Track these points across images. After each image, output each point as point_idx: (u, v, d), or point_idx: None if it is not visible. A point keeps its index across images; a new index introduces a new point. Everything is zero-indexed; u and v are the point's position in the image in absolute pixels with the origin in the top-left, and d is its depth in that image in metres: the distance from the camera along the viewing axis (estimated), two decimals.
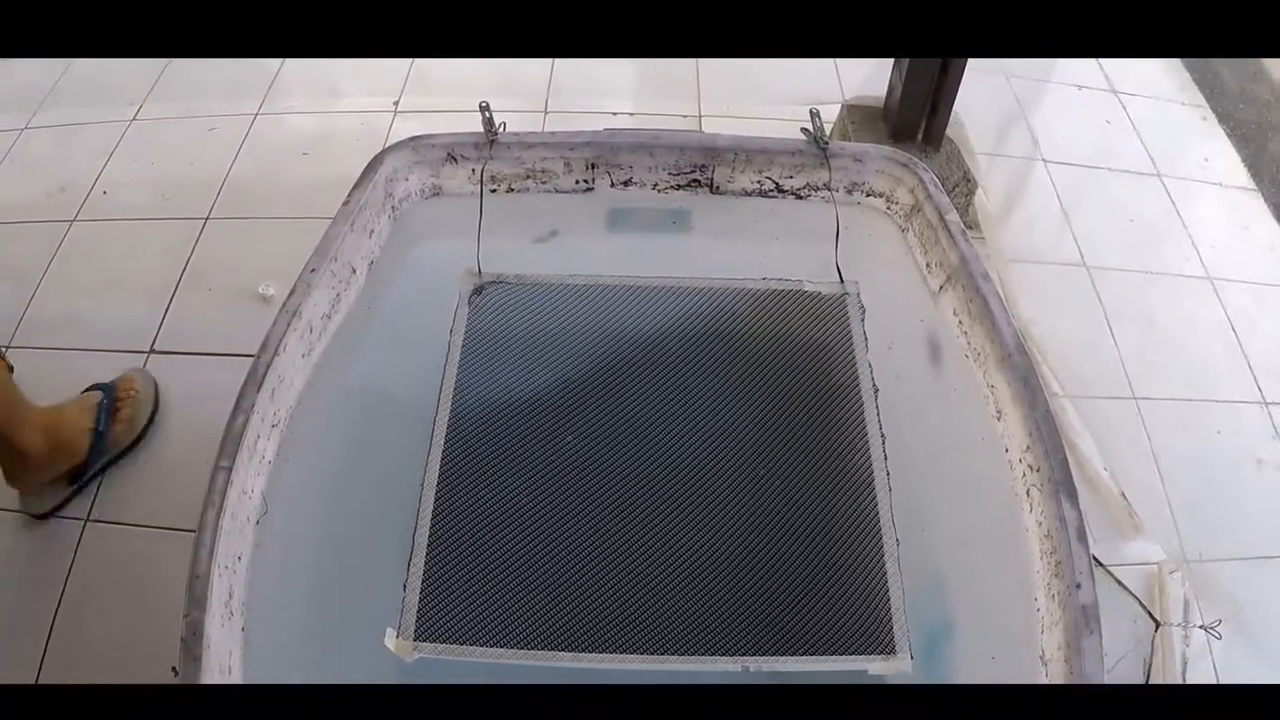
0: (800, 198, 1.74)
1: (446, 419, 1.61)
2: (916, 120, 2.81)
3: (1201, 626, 2.08)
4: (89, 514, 2.15)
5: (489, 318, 1.74)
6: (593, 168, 1.71)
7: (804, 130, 1.71)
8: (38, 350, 2.46)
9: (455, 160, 1.71)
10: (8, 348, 2.41)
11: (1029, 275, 2.77)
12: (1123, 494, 2.28)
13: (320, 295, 1.49)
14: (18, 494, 2.16)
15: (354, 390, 1.64)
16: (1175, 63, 3.70)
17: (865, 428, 1.62)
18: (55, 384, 2.24)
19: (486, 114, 1.67)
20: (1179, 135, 3.41)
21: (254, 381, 1.34)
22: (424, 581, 1.43)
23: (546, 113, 3.25)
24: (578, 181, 1.73)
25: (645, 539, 1.49)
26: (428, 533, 1.48)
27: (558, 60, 3.42)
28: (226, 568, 1.22)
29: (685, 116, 3.23)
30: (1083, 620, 1.16)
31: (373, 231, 1.64)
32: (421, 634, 1.37)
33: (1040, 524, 1.29)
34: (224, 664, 1.17)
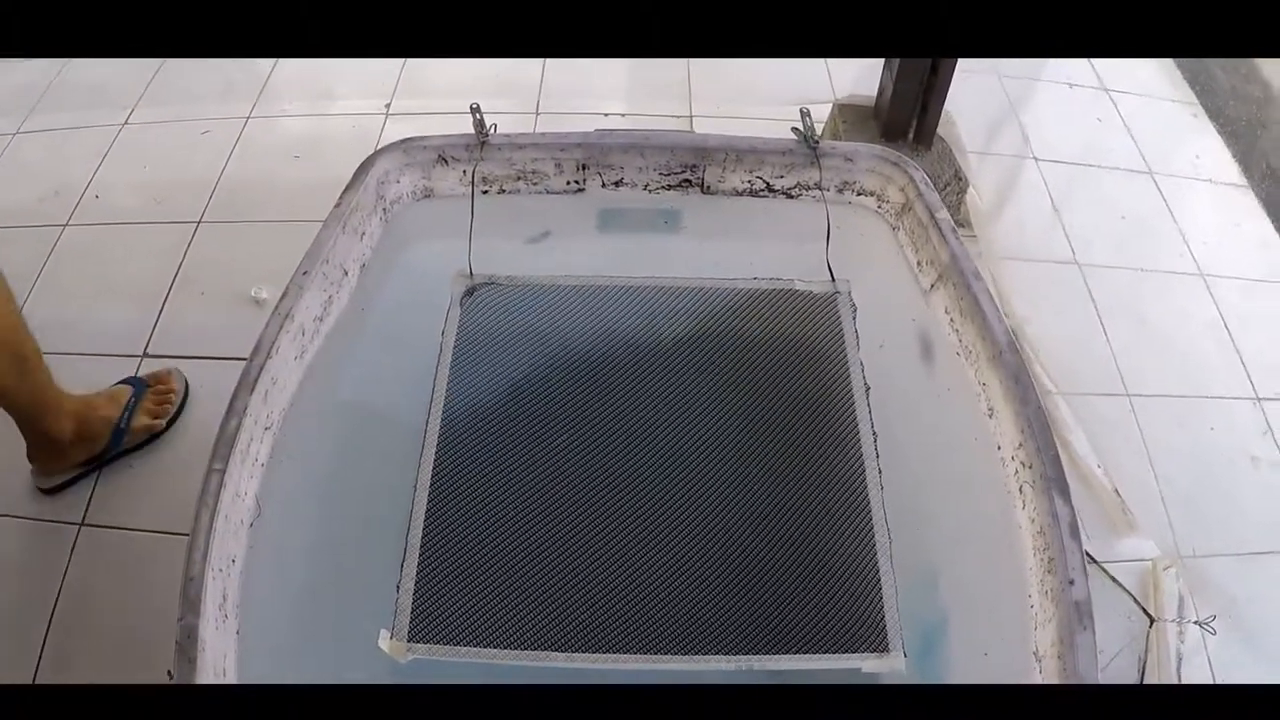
0: (791, 197, 1.75)
1: (439, 420, 1.62)
2: (907, 119, 2.81)
3: (1196, 622, 2.08)
4: (84, 518, 2.15)
5: (481, 319, 1.74)
6: (584, 168, 1.71)
7: (794, 130, 1.71)
8: None
9: (446, 162, 1.71)
10: None
11: (1021, 273, 2.77)
12: (1116, 491, 2.28)
13: (312, 298, 1.49)
14: (31, 468, 2.20)
15: (347, 392, 1.64)
16: (1166, 60, 3.71)
17: (857, 426, 1.62)
18: None
19: (477, 116, 1.67)
20: (1170, 132, 3.41)
21: (247, 384, 1.34)
22: (417, 582, 1.43)
23: (538, 114, 3.25)
24: (569, 182, 1.73)
25: (638, 539, 1.49)
26: (420, 534, 1.48)
27: (549, 61, 3.43)
28: (220, 570, 1.22)
29: (677, 117, 3.23)
30: (1076, 617, 1.16)
31: (364, 234, 1.64)
32: (415, 635, 1.37)
33: (1033, 521, 1.29)
34: (218, 667, 1.16)
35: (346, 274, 1.59)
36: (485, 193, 1.73)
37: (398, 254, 1.73)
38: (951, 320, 1.55)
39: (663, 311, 1.76)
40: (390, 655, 1.36)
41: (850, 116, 2.97)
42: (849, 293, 1.78)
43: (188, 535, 1.20)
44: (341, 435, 1.61)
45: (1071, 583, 1.18)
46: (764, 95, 3.27)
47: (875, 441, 1.61)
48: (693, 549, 1.49)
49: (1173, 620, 2.08)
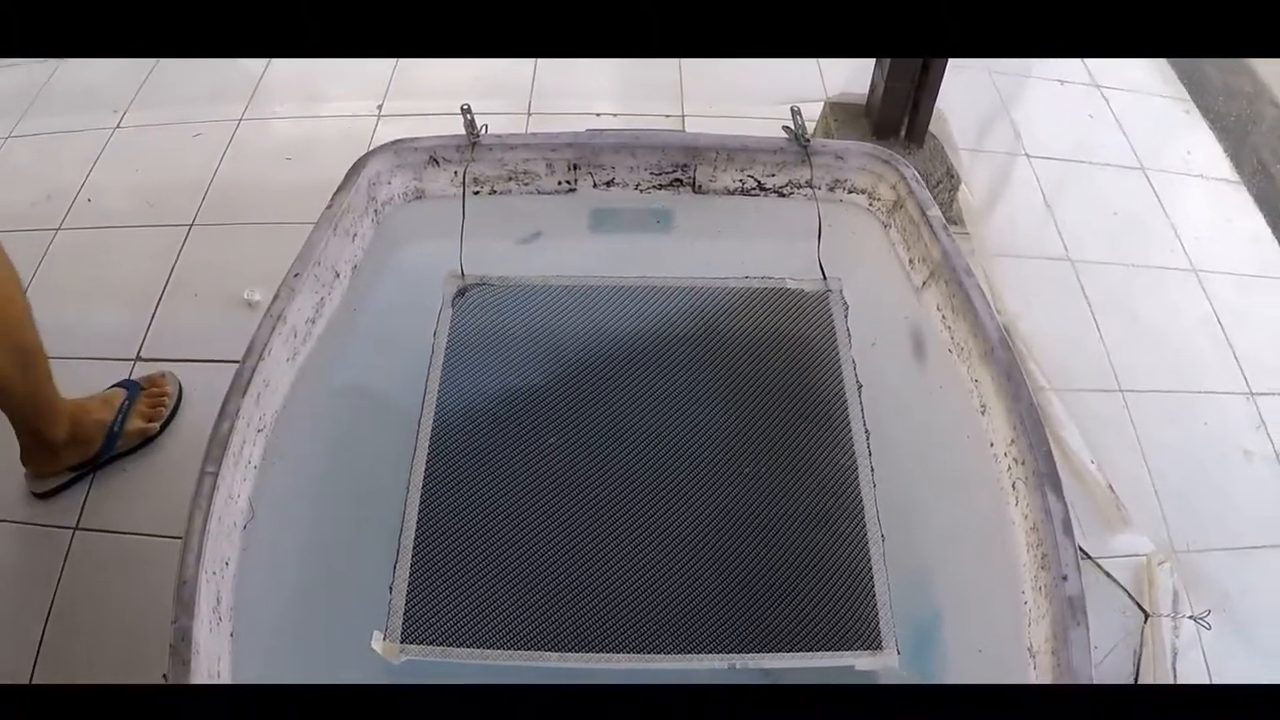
0: (782, 196, 1.75)
1: (431, 421, 1.62)
2: (899, 117, 2.81)
3: (1191, 617, 2.08)
4: (78, 522, 2.15)
5: (473, 320, 1.74)
6: (575, 169, 1.72)
7: (785, 128, 1.71)
8: None
9: (437, 163, 1.71)
10: None
11: (1013, 270, 2.77)
12: (1110, 486, 2.28)
13: (304, 299, 1.49)
14: (25, 471, 2.19)
15: (339, 393, 1.64)
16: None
17: (849, 424, 1.63)
18: None
19: (468, 116, 1.67)
20: (1162, 129, 3.41)
21: (239, 386, 1.34)
22: (410, 584, 1.43)
23: (530, 114, 3.25)
24: (560, 182, 1.74)
25: (631, 538, 1.50)
26: (413, 535, 1.48)
27: (541, 61, 3.42)
28: (214, 573, 1.22)
29: (668, 116, 3.23)
30: (1069, 612, 1.16)
31: (356, 235, 1.64)
32: (408, 636, 1.38)
33: (1026, 517, 1.29)
34: (213, 669, 1.16)
35: (338, 275, 1.59)
36: (477, 193, 1.73)
37: (389, 255, 1.73)
38: (943, 317, 1.55)
39: (655, 311, 1.76)
40: (383, 657, 1.36)
41: (842, 115, 2.97)
42: (840, 291, 1.78)
43: (181, 538, 1.20)
44: (334, 436, 1.61)
45: (1065, 578, 1.18)
46: (756, 94, 3.26)
47: (868, 439, 1.61)
48: (686, 548, 1.49)
49: (1167, 615, 2.08)
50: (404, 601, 1.41)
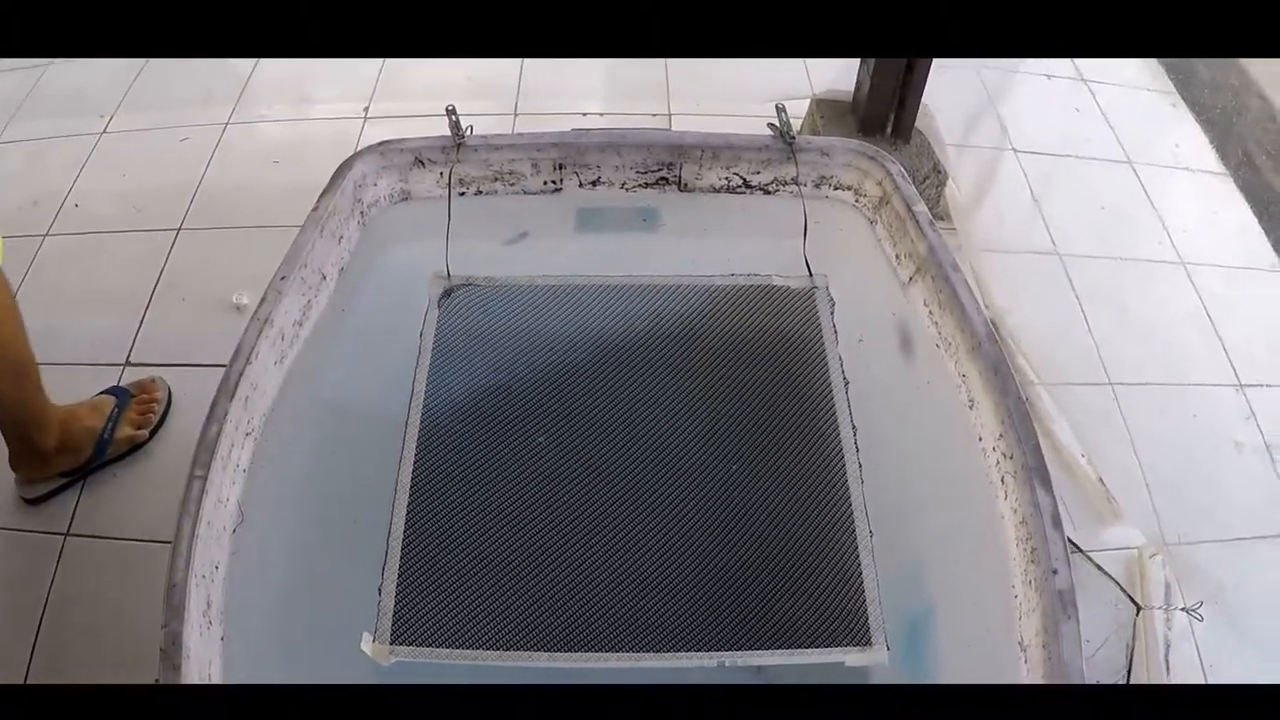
0: (768, 193, 1.75)
1: (418, 422, 1.62)
2: (885, 114, 2.82)
3: (1183, 609, 2.09)
4: (69, 528, 2.15)
5: (459, 320, 1.74)
6: (560, 168, 1.72)
7: (770, 125, 1.72)
8: None
9: (423, 164, 1.71)
10: None
11: (1001, 265, 2.78)
12: (1101, 480, 2.28)
13: (291, 302, 1.49)
14: (14, 477, 2.20)
15: (327, 396, 1.64)
16: None
17: (837, 421, 1.63)
18: None
19: (453, 117, 1.67)
20: (1148, 122, 3.42)
21: (227, 390, 1.34)
22: (399, 585, 1.43)
23: (516, 115, 3.25)
24: (546, 182, 1.74)
25: (619, 537, 1.50)
26: (401, 536, 1.48)
27: (527, 62, 3.42)
28: (204, 577, 1.22)
29: (655, 115, 3.23)
30: (1060, 606, 1.16)
31: (342, 237, 1.64)
32: (398, 638, 1.38)
33: (1015, 511, 1.29)
34: (203, 673, 1.16)
35: (325, 278, 1.59)
36: (462, 194, 1.73)
37: (376, 257, 1.73)
38: (930, 312, 1.55)
39: (641, 310, 1.76)
40: (373, 658, 1.36)
41: (828, 112, 2.97)
42: (827, 287, 1.78)
43: (171, 542, 1.20)
44: (322, 439, 1.61)
45: (1055, 572, 1.19)
46: (742, 92, 3.26)
47: (855, 435, 1.61)
48: (674, 546, 1.49)
49: (1160, 607, 2.08)
50: (393, 603, 1.41)
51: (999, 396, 1.35)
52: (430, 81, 3.36)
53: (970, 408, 1.44)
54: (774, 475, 1.57)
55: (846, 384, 1.66)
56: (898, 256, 1.65)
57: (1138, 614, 2.09)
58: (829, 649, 1.39)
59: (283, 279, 1.47)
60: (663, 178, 1.73)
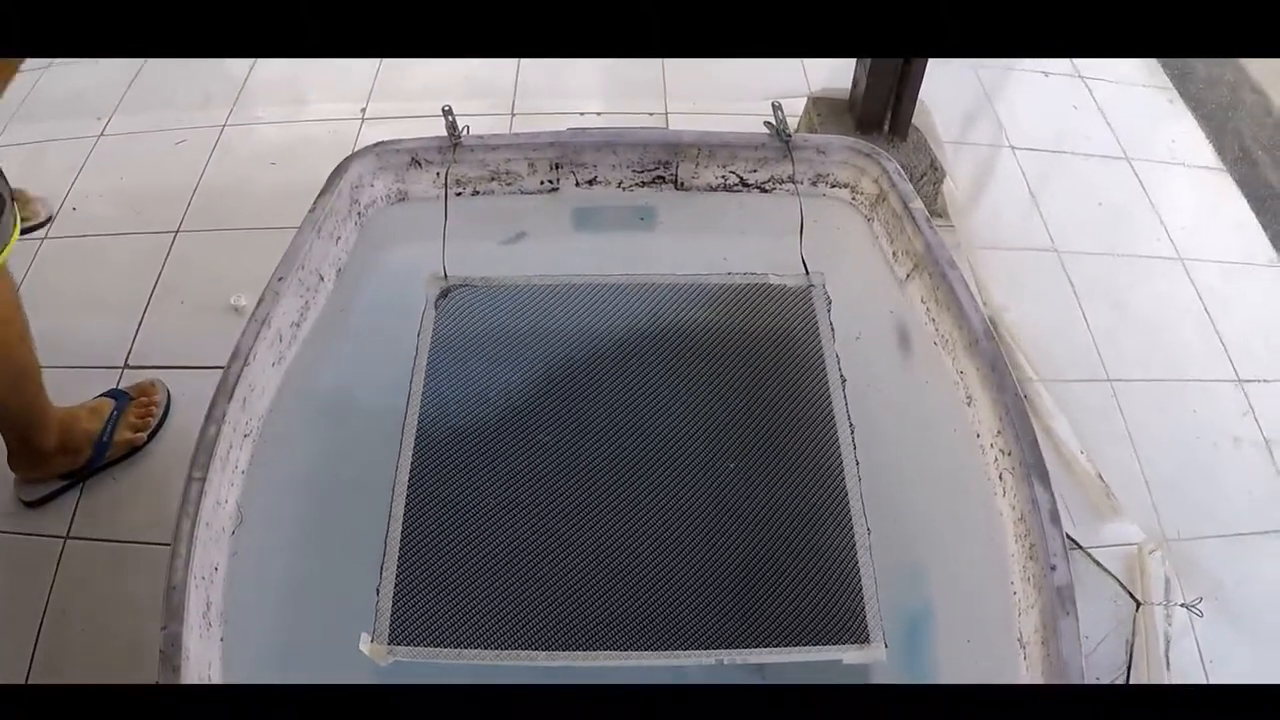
0: (765, 191, 1.75)
1: (416, 422, 1.61)
2: (882, 111, 2.82)
3: (1183, 604, 2.09)
4: (69, 531, 2.15)
5: (456, 321, 1.74)
6: (557, 168, 1.72)
7: (767, 124, 1.71)
8: None
9: (420, 165, 1.71)
10: None
11: (999, 262, 2.78)
12: (1100, 476, 2.29)
13: (289, 303, 1.49)
14: (14, 478, 2.21)
15: (325, 396, 1.64)
16: None
17: (834, 419, 1.62)
18: None
19: (449, 118, 1.67)
20: (1146, 118, 3.42)
21: (225, 391, 1.34)
22: (397, 585, 1.43)
23: (513, 115, 3.25)
24: (542, 182, 1.74)
25: (617, 536, 1.49)
26: (399, 536, 1.48)
27: (524, 62, 3.42)
28: (203, 579, 1.22)
29: (652, 114, 3.24)
30: (1058, 602, 1.16)
31: (339, 238, 1.64)
32: (396, 638, 1.37)
33: (1013, 508, 1.29)
34: (203, 674, 1.16)
35: (322, 279, 1.59)
36: (459, 194, 1.73)
37: (373, 258, 1.72)
38: (928, 310, 1.55)
39: (639, 309, 1.76)
40: (371, 658, 1.36)
41: (825, 110, 2.97)
42: (824, 285, 1.78)
43: (170, 545, 1.20)
44: (320, 439, 1.61)
45: (1053, 568, 1.19)
46: (739, 91, 3.26)
47: (853, 433, 1.61)
48: (672, 545, 1.49)
49: (1159, 603, 2.08)
50: (391, 603, 1.41)
51: (997, 393, 1.35)
52: (427, 82, 3.36)
53: (968, 405, 1.44)
54: (772, 473, 1.56)
55: (844, 382, 1.66)
56: (895, 254, 1.65)
57: (1137, 610, 2.09)
58: (827, 647, 1.38)
59: (280, 280, 1.47)
60: (659, 177, 1.73)
